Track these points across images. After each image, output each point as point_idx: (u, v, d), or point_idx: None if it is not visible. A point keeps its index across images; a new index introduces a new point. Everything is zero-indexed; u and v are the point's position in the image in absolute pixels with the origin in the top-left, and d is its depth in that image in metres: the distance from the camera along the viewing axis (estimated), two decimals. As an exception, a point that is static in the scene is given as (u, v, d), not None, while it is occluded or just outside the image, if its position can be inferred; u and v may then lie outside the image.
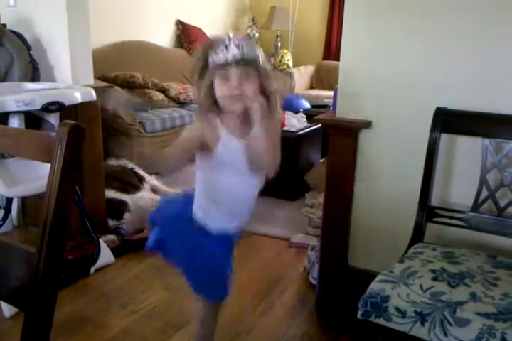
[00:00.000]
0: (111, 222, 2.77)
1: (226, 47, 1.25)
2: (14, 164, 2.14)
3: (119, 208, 2.86)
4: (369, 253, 1.96)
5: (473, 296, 1.25)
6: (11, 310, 1.93)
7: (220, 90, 1.29)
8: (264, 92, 1.31)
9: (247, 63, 1.27)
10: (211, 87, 1.31)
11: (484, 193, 1.60)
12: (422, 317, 1.22)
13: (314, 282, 2.22)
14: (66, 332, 1.86)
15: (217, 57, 1.26)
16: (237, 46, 1.25)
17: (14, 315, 1.93)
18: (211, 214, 1.44)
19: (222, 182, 1.40)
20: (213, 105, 1.33)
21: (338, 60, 1.91)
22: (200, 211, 1.45)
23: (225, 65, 1.26)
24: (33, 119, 2.28)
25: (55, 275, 0.91)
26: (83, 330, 1.91)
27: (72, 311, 2.02)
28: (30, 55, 2.47)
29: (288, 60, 6.01)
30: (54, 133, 0.90)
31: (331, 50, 6.01)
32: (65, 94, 2.22)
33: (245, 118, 1.33)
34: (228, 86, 1.28)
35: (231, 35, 1.27)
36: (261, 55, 1.31)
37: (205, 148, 1.35)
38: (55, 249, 0.90)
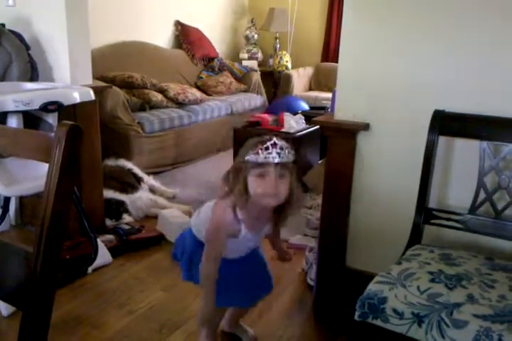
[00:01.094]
0: (109, 222, 2.77)
1: (268, 149, 1.36)
2: (12, 163, 2.14)
3: (117, 208, 2.86)
4: (367, 255, 1.96)
5: (471, 298, 1.25)
6: (8, 309, 1.93)
7: (256, 187, 1.39)
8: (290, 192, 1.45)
9: (283, 165, 1.38)
10: (245, 181, 1.41)
11: (482, 196, 1.60)
12: (419, 319, 1.22)
13: (312, 283, 2.22)
14: (63, 332, 1.86)
15: (258, 156, 1.37)
16: (280, 150, 1.36)
17: (12, 314, 1.93)
18: None
19: (232, 252, 1.58)
20: (246, 195, 1.43)
21: (337, 61, 1.91)
22: None
23: (264, 165, 1.37)
24: (31, 119, 2.28)
25: (52, 274, 0.91)
26: (80, 330, 1.91)
27: (70, 310, 2.02)
28: (29, 54, 2.47)
29: (287, 62, 6.02)
30: (53, 134, 0.90)
31: (330, 51, 6.02)
32: (64, 94, 2.22)
33: (263, 212, 1.49)
34: (265, 184, 1.38)
35: (275, 139, 1.38)
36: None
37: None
38: (52, 248, 0.90)
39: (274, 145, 1.36)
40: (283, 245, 1.79)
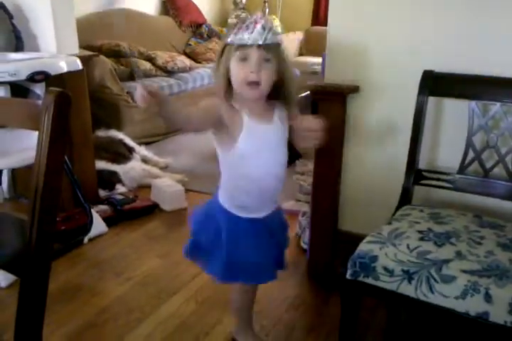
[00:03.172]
0: (102, 193, 2.78)
1: (249, 28, 1.20)
2: (2, 136, 2.13)
3: (110, 179, 2.87)
4: (358, 217, 1.99)
5: (459, 254, 1.29)
6: (7, 280, 1.96)
7: (237, 73, 1.24)
8: (281, 78, 1.28)
9: (268, 48, 1.23)
10: (228, 68, 1.26)
11: (470, 155, 1.62)
12: (409, 276, 1.26)
13: (305, 247, 2.26)
14: (62, 300, 1.90)
15: (240, 37, 1.22)
16: (263, 29, 1.20)
17: (10, 284, 1.96)
18: (247, 208, 1.38)
19: (254, 171, 1.33)
20: (229, 89, 1.28)
21: (327, 25, 1.89)
22: (233, 207, 1.39)
23: (245, 47, 1.22)
24: (19, 90, 2.25)
25: (48, 243, 0.92)
26: (79, 298, 1.95)
27: (68, 280, 2.06)
28: (12, 23, 2.42)
29: (276, 26, 5.92)
30: (40, 101, 0.89)
31: (320, 15, 5.93)
32: (50, 63, 2.18)
33: (265, 102, 1.32)
34: (245, 70, 1.23)
35: (259, 16, 1.22)
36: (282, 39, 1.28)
37: (220, 127, 1.28)
38: (47, 217, 0.91)
39: (255, 23, 1.20)
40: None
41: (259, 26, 1.20)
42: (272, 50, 1.23)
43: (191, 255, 1.51)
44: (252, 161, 1.31)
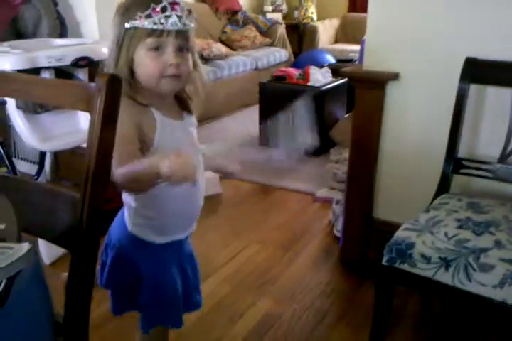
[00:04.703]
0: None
1: (166, 10, 0.98)
2: (47, 119, 2.20)
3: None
4: (394, 206, 1.99)
5: (498, 243, 1.28)
6: (50, 258, 2.03)
7: (149, 65, 1.02)
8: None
9: (186, 35, 1.02)
10: (132, 58, 1.03)
11: (512, 144, 1.60)
12: (446, 263, 1.26)
13: (338, 234, 2.27)
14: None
15: (151, 20, 0.98)
16: (181, 13, 0.99)
17: (53, 262, 2.03)
18: (167, 229, 1.23)
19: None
20: (133, 81, 1.04)
21: (364, 12, 1.88)
22: (149, 232, 1.22)
23: (160, 34, 0.99)
24: (62, 75, 2.32)
25: (97, 218, 0.98)
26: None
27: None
28: (57, 10, 2.48)
29: (312, 13, 5.88)
30: (93, 84, 0.93)
31: (357, 2, 5.84)
32: (94, 49, 2.24)
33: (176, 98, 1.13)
34: (160, 61, 1.01)
35: None
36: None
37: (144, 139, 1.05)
38: (98, 195, 0.96)
39: (174, 5, 0.98)
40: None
41: (178, 8, 0.99)
42: (190, 36, 1.04)
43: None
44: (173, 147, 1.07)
